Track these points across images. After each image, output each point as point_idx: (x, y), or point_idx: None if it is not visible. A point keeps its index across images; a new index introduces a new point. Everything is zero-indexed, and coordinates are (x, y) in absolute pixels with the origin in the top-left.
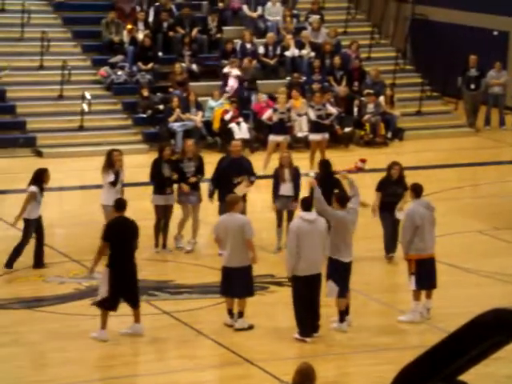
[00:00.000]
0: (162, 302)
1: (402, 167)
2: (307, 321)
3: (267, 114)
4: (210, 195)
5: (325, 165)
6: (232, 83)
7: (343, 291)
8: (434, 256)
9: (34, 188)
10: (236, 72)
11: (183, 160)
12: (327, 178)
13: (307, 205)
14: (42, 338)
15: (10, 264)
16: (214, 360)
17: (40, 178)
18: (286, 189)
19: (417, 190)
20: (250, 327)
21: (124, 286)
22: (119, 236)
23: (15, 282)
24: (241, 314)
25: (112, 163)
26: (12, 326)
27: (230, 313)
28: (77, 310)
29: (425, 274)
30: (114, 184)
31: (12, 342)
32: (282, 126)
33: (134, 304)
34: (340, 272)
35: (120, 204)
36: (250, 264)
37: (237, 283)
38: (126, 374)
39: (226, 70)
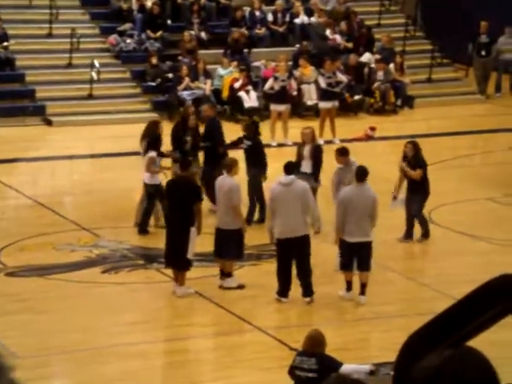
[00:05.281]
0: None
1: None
2: (285, 282)
3: (269, 84)
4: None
5: None
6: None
7: (345, 266)
8: None
9: (153, 153)
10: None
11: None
12: None
13: (286, 168)
14: (54, 305)
15: (144, 229)
16: (224, 327)
17: (155, 142)
18: (304, 166)
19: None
20: (240, 287)
21: (174, 245)
22: (175, 194)
23: (26, 250)
24: (229, 275)
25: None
26: (24, 294)
27: (222, 273)
28: (88, 278)
29: None
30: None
31: (24, 310)
32: (284, 95)
33: (178, 266)
34: (343, 250)
35: (184, 163)
36: (239, 228)
37: (224, 245)
38: (136, 341)
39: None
